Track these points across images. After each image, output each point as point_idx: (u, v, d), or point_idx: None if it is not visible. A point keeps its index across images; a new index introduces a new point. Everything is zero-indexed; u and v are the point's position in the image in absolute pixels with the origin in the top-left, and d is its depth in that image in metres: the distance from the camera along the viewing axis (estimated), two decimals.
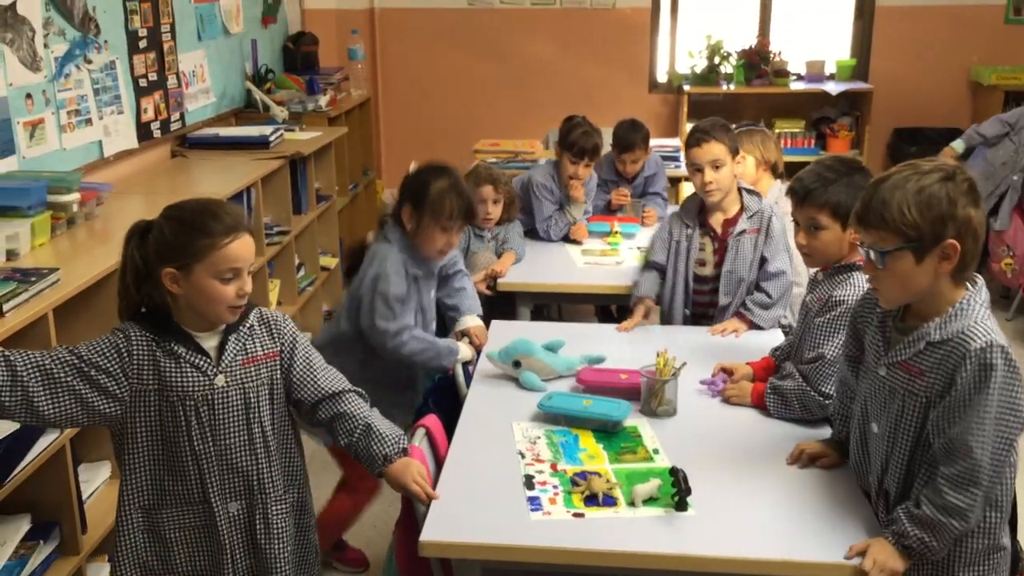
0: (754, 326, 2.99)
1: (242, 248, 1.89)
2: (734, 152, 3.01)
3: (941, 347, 1.82)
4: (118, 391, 1.87)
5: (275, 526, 2.02)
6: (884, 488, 1.95)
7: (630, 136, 4.31)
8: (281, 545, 2.03)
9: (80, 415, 1.86)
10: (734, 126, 3.32)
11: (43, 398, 1.80)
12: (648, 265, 3.26)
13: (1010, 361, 1.77)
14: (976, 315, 1.80)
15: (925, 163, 1.84)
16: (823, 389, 2.32)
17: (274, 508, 2.02)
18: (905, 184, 1.79)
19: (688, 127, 6.16)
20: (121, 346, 1.88)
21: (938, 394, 1.83)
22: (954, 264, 1.79)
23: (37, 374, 1.80)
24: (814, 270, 2.53)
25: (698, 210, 3.13)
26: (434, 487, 2.06)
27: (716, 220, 3.09)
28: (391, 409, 2.56)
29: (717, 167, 2.98)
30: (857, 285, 2.32)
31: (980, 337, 1.77)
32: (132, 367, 1.88)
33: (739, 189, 3.08)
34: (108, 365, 1.86)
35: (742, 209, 3.05)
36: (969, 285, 1.85)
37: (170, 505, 1.96)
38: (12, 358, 1.79)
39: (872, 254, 1.84)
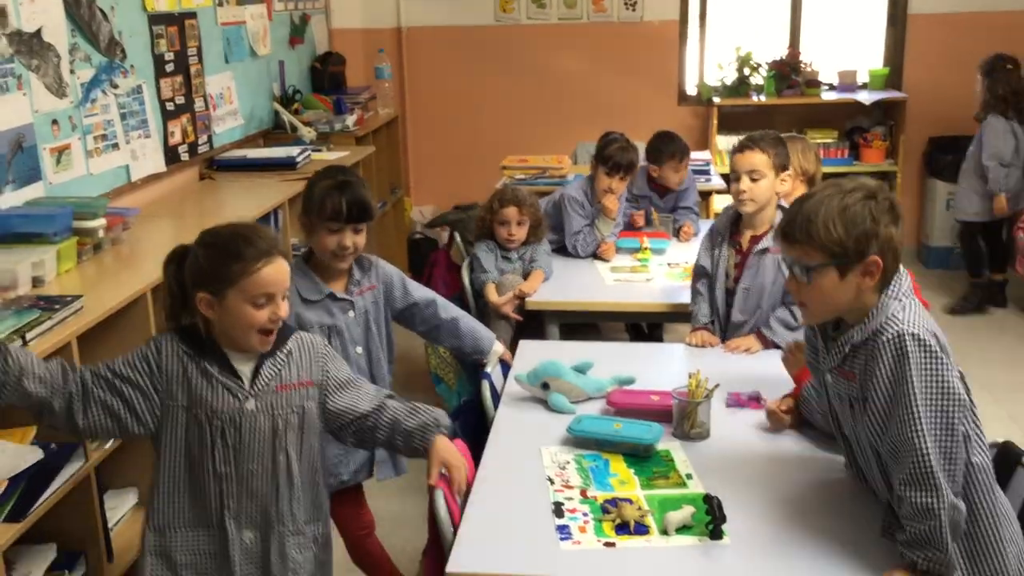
0: (772, 345, 2.90)
1: (275, 273, 1.88)
2: (779, 168, 2.93)
3: (863, 348, 1.85)
4: (147, 405, 1.89)
5: (291, 559, 1.98)
6: (879, 494, 1.95)
7: (674, 145, 4.31)
8: None
9: (113, 428, 1.90)
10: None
11: (79, 410, 1.85)
12: (695, 275, 3.18)
13: (926, 345, 1.76)
14: (889, 310, 1.83)
15: (848, 182, 1.89)
16: None
17: (291, 540, 1.98)
18: (829, 202, 1.85)
19: (719, 140, 6.15)
20: (151, 358, 1.89)
21: (868, 394, 1.83)
22: (876, 280, 1.85)
23: (79, 386, 1.85)
24: None
25: (732, 220, 3.06)
26: (461, 514, 2.02)
27: (745, 235, 3.02)
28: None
29: (754, 179, 2.90)
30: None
31: (889, 329, 1.79)
32: (161, 380, 1.89)
33: (779, 207, 3.00)
34: (137, 378, 1.88)
35: (772, 227, 2.97)
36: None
37: (185, 527, 1.93)
38: (64, 367, 1.86)
39: (797, 269, 1.90)
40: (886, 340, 1.79)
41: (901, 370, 1.77)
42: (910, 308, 1.83)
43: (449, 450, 2.01)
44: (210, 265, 1.87)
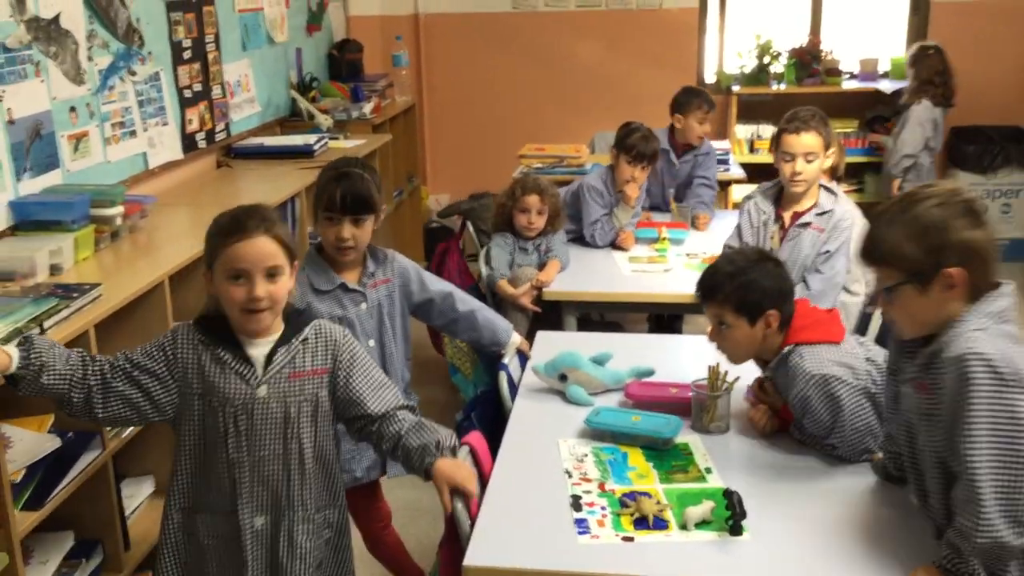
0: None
1: (247, 248, 1.86)
2: (827, 146, 2.94)
3: (938, 361, 1.72)
4: (165, 393, 1.92)
5: (299, 546, 1.98)
6: (933, 514, 1.85)
7: (703, 96, 4.31)
8: (303, 566, 1.99)
9: (132, 417, 1.94)
10: None
11: (98, 402, 1.88)
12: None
13: (994, 368, 1.62)
14: (967, 326, 1.69)
15: (922, 190, 1.77)
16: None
17: (300, 527, 1.98)
18: (896, 216, 1.76)
19: (737, 129, 6.10)
20: (167, 346, 1.93)
21: (942, 411, 1.72)
22: (962, 290, 1.72)
23: (98, 378, 1.88)
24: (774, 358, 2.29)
25: (775, 198, 3.06)
26: (479, 508, 2.00)
27: (788, 211, 3.04)
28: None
29: (809, 160, 2.92)
30: (799, 364, 2.17)
31: (958, 347, 1.66)
32: (177, 368, 1.92)
33: (819, 185, 3.02)
34: (155, 367, 1.91)
35: (815, 205, 2.99)
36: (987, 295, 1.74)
37: (204, 511, 1.97)
38: (86, 360, 1.89)
39: (883, 291, 1.80)
40: (953, 359, 1.66)
41: (965, 392, 1.64)
42: (999, 325, 1.69)
43: (452, 470, 1.95)
44: (207, 243, 1.94)
